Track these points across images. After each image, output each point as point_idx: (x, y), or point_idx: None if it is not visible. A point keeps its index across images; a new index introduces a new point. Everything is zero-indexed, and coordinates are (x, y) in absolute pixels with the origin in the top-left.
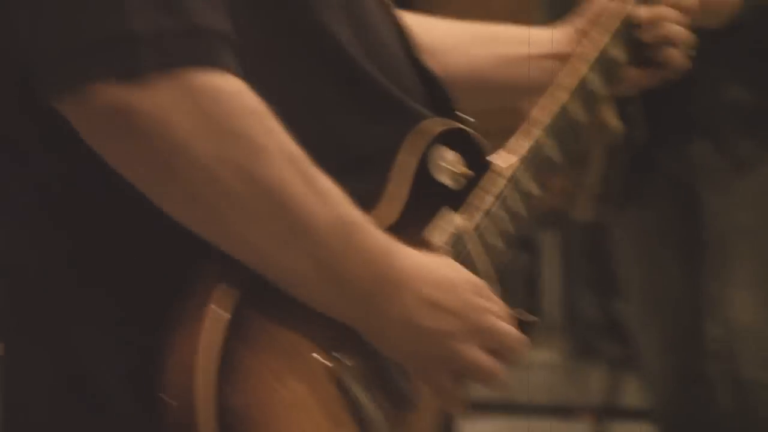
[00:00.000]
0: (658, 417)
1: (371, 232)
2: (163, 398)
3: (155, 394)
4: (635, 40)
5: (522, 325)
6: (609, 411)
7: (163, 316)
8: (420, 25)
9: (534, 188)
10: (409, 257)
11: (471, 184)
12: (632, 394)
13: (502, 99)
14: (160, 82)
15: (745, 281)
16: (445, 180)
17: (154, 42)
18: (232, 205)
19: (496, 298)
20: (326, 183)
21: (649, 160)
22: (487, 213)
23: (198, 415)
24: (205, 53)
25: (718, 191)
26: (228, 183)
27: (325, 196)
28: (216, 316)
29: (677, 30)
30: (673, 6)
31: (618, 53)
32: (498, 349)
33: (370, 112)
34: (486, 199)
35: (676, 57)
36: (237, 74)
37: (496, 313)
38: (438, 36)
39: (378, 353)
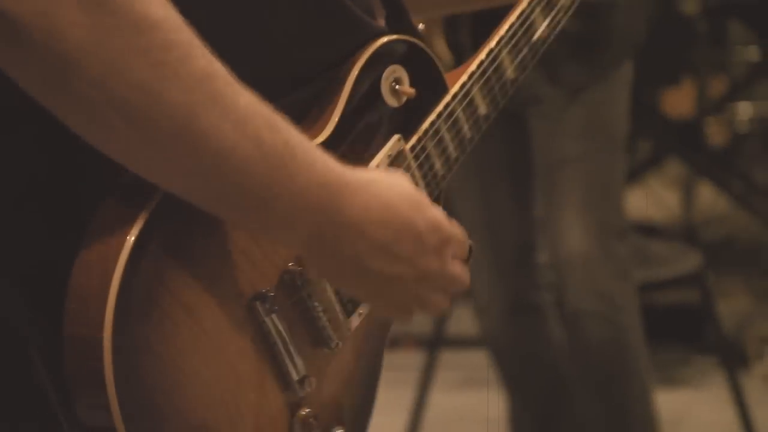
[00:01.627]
0: (489, 346)
1: (309, 164)
2: (65, 326)
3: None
4: None
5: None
6: (438, 340)
7: (71, 234)
8: None
9: (483, 107)
10: (357, 192)
11: (419, 101)
12: (462, 323)
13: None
14: None
15: (572, 210)
16: (388, 98)
17: None
18: (133, 128)
19: (448, 229)
20: (249, 106)
21: None
22: (426, 132)
23: (95, 346)
24: None
25: (546, 120)
26: (127, 105)
27: (243, 121)
28: (119, 240)
29: None
30: None
31: None
32: (447, 288)
33: (322, 23)
34: (428, 117)
35: None
36: None
37: (446, 253)
38: None
39: (302, 289)
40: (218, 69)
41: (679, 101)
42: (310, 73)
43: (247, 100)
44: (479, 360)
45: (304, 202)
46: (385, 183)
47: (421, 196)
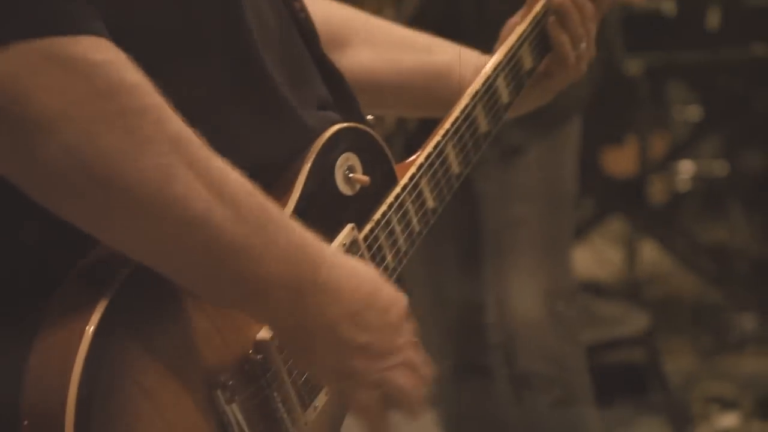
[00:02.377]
0: (438, 406)
1: (286, 227)
2: (22, 409)
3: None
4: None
5: None
6: None
7: (33, 314)
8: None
9: (431, 200)
10: (330, 257)
11: (370, 189)
12: None
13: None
14: (18, 53)
15: (521, 273)
16: (341, 186)
17: (10, 7)
18: (105, 195)
19: (404, 308)
20: (222, 170)
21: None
22: (378, 223)
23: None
24: (71, 18)
25: (491, 182)
26: (100, 170)
27: (218, 184)
28: (80, 326)
29: (576, 20)
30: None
31: (526, 58)
32: (415, 371)
33: (267, 118)
34: (380, 207)
35: (567, 46)
36: (109, 40)
37: (407, 331)
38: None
39: (261, 378)
40: (190, 133)
41: (621, 160)
42: (265, 163)
43: (220, 164)
44: (426, 422)
45: (284, 265)
46: (347, 256)
47: (379, 273)
